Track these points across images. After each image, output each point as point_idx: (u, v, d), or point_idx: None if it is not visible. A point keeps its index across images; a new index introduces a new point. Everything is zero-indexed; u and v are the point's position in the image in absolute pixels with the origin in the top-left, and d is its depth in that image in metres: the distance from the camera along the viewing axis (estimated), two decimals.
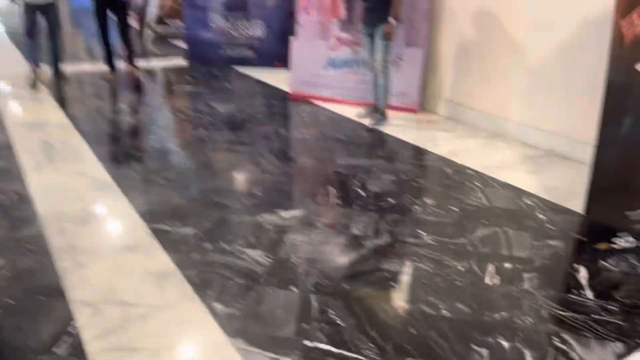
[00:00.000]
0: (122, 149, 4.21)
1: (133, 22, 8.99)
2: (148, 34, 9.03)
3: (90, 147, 4.01)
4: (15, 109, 5.11)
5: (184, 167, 3.83)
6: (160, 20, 9.07)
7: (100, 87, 6.03)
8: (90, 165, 3.68)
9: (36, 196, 3.16)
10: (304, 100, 5.46)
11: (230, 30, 6.77)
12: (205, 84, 6.23)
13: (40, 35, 5.72)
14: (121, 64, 6.38)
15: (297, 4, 5.50)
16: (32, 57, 5.71)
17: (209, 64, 6.92)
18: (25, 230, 2.78)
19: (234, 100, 5.61)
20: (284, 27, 6.51)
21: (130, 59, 6.27)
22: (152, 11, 9.15)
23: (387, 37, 4.50)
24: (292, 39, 5.48)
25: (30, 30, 5.58)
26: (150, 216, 2.94)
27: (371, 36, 4.63)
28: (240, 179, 3.67)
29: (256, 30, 6.71)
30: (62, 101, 5.36)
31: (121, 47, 6.28)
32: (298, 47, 5.44)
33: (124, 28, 6.09)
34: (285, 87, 5.85)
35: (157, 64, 7.26)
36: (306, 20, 5.39)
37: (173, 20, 8.92)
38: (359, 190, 3.38)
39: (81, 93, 5.90)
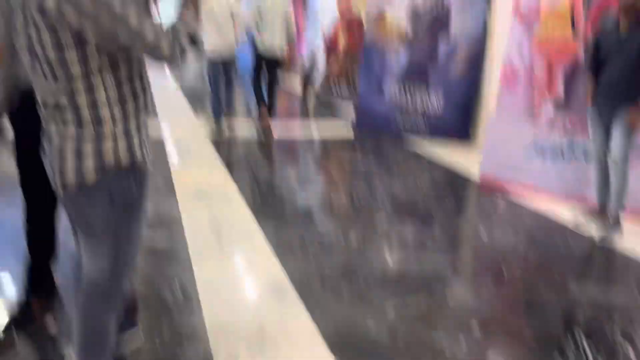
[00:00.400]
0: (296, 236, 3.47)
1: (298, 86, 8.90)
2: (312, 99, 8.80)
3: (260, 228, 3.47)
4: (184, 170, 4.85)
5: (372, 274, 2.98)
6: (326, 86, 8.83)
7: (262, 150, 5.74)
8: (262, 255, 3.10)
9: (203, 296, 2.60)
10: (496, 189, 4.49)
11: (405, 99, 6.12)
12: (374, 160, 5.46)
13: (222, 89, 5.97)
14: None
15: (488, 75, 4.97)
16: (216, 110, 5.97)
17: (378, 134, 6.22)
18: (188, 348, 2.19)
19: (408, 182, 4.76)
20: (466, 100, 5.82)
21: (268, 113, 6.28)
22: (318, 76, 8.94)
23: (634, 124, 3.48)
24: (487, 116, 4.73)
25: (215, 85, 5.92)
26: (340, 348, 2.21)
27: (605, 121, 3.65)
28: (447, 300, 2.75)
29: (434, 100, 5.96)
30: (229, 164, 5.05)
31: (263, 103, 6.31)
32: (496, 126, 4.60)
33: (273, 86, 6.38)
34: (466, 169, 5.01)
35: (320, 131, 6.86)
36: (508, 96, 4.54)
37: (339, 85, 8.61)
38: (629, 350, 2.34)
39: (246, 154, 5.59)
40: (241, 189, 4.27)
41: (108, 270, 1.63)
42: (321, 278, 2.88)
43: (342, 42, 8.24)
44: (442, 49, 5.79)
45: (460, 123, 5.87)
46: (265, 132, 6.21)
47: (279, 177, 4.98)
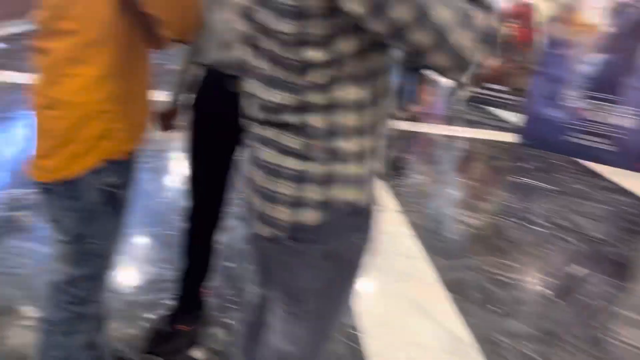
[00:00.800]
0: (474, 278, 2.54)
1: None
2: (462, 94, 7.14)
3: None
4: None
5: (584, 337, 2.13)
6: (479, 83, 7.04)
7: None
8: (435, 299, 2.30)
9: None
10: None
11: (587, 113, 4.80)
12: (546, 178, 4.22)
13: None
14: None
15: None
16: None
17: (546, 148, 4.96)
18: None
19: (595, 212, 3.61)
20: None
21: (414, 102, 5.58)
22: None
23: None
24: None
25: None
26: None
27: None
28: None
29: (624, 118, 4.64)
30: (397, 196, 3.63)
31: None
32: None
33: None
34: None
35: (473, 134, 5.43)
36: None
37: (495, 84, 6.98)
38: None
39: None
40: (425, 245, 2.96)
41: (305, 342, 1.08)
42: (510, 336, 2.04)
43: (503, 35, 6.89)
44: None
45: None
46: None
47: (441, 196, 3.74)
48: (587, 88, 4.67)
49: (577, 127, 4.76)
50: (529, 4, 6.26)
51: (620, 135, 4.61)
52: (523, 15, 6.31)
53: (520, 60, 6.27)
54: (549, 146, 4.87)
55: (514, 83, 6.45)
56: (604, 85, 4.59)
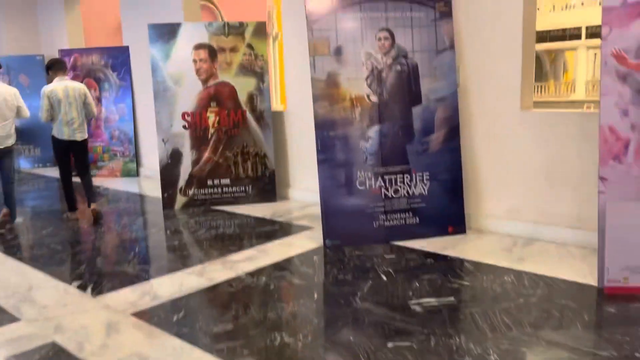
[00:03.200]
0: None
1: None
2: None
3: None
4: None
5: None
6: (194, 181, 5.46)
7: None
8: None
9: None
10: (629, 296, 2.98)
11: (386, 190, 3.99)
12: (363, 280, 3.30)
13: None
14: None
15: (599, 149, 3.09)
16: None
17: (357, 244, 3.94)
18: None
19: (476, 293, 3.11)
20: (453, 176, 4.09)
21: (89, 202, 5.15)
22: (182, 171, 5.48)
23: None
24: (603, 200, 3.05)
25: None
26: None
27: None
28: None
29: (419, 186, 4.05)
30: None
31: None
32: (617, 212, 3.01)
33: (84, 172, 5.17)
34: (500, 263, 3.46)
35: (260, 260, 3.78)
36: (621, 172, 3.03)
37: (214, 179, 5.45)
38: None
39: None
40: None
41: None
42: None
43: (211, 121, 5.41)
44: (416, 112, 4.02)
45: (456, 208, 4.11)
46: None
47: None
48: (372, 164, 3.96)
49: (381, 209, 4.00)
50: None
51: (420, 204, 4.01)
52: (223, 91, 5.34)
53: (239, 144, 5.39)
54: (358, 240, 3.95)
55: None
56: (395, 158, 3.99)
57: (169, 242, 4.34)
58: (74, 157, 5.10)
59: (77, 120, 4.92)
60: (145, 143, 7.51)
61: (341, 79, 3.95)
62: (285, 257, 3.76)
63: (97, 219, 4.96)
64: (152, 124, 7.17)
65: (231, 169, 5.49)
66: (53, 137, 4.97)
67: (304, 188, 5.52)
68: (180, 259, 3.88)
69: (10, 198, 4.98)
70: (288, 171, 5.68)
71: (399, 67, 3.99)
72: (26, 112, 5.11)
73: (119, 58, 7.46)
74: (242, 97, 5.43)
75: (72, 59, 7.68)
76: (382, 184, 4.00)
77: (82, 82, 7.29)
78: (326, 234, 3.96)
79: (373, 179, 4.00)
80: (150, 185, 6.89)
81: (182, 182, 5.43)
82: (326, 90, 3.95)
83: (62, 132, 4.89)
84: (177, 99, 5.37)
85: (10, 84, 8.48)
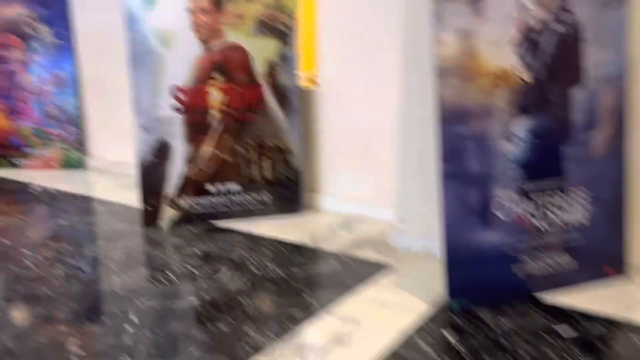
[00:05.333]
0: None
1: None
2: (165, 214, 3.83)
3: None
4: None
5: None
6: (189, 187, 3.81)
7: None
8: None
9: None
10: None
11: (534, 219, 2.61)
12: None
13: None
14: None
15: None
16: None
17: (492, 302, 2.55)
18: None
19: None
20: (616, 194, 2.75)
21: None
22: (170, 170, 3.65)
23: None
24: None
25: None
26: None
27: None
28: None
29: (578, 209, 2.68)
30: None
31: None
32: None
33: None
34: None
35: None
36: None
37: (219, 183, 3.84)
38: None
39: None
40: None
41: None
42: None
43: (214, 101, 3.76)
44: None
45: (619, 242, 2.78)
46: None
47: None
48: (516, 178, 2.54)
49: (526, 247, 2.60)
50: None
51: (576, 238, 2.66)
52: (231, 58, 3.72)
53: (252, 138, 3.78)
54: (493, 294, 2.56)
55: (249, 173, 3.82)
56: (538, 167, 2.58)
57: (172, 300, 2.71)
58: None
59: None
60: (95, 124, 5.61)
61: (479, 42, 2.46)
62: (394, 334, 2.30)
63: None
64: (109, 98, 5.32)
65: (242, 170, 3.87)
66: None
67: (338, 195, 4.03)
68: (212, 346, 2.29)
69: None
70: (317, 172, 4.14)
71: (561, 28, 2.57)
72: None
73: (53, 7, 5.44)
74: (260, 67, 3.79)
75: None
76: (529, 209, 2.60)
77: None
78: (452, 290, 2.52)
79: (516, 201, 2.58)
80: (106, 184, 5.07)
81: (171, 189, 3.75)
82: (456, 61, 2.45)
83: None
84: (165, 67, 3.64)
85: None
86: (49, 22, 5.46)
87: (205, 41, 3.67)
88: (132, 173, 5.22)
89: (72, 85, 5.54)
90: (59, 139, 5.63)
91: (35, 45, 5.51)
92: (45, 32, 5.48)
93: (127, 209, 4.20)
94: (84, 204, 4.46)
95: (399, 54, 3.24)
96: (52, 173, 5.50)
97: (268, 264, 3.09)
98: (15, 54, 5.55)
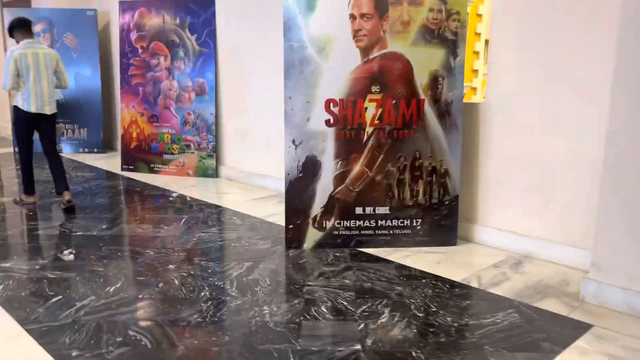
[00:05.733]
0: None
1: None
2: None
3: None
4: None
5: None
6: (335, 207, 3.43)
7: None
8: None
9: None
10: None
11: None
12: None
13: None
14: None
15: None
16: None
17: None
18: None
19: None
20: None
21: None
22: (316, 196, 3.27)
23: None
24: None
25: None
26: None
27: None
28: None
29: None
30: None
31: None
32: None
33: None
34: None
35: None
36: None
37: (367, 205, 3.41)
38: None
39: None
40: None
41: None
42: None
43: (369, 115, 3.39)
44: None
45: None
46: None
47: None
48: None
49: None
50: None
51: None
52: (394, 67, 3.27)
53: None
54: None
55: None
56: None
57: (333, 345, 2.36)
58: (40, 133, 4.48)
59: (47, 91, 4.35)
60: (228, 134, 5.56)
61: None
62: None
63: (71, 210, 4.30)
64: (246, 108, 5.22)
65: (393, 192, 3.49)
66: (16, 109, 4.33)
67: (502, 228, 3.50)
68: None
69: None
70: (478, 199, 3.64)
71: None
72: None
73: (200, 15, 5.47)
74: (422, 79, 3.39)
75: (135, 15, 5.74)
76: None
77: (147, 46, 5.40)
78: None
79: None
80: (240, 195, 4.95)
81: (317, 209, 3.47)
82: None
83: (30, 103, 4.27)
84: (321, 77, 3.36)
85: (53, 44, 6.62)
86: (193, 29, 5.50)
87: (365, 50, 3.35)
88: (266, 185, 5.07)
89: (212, 93, 5.53)
90: (196, 146, 5.65)
91: (180, 52, 5.58)
92: (190, 39, 5.52)
93: (266, 224, 3.99)
94: (221, 215, 4.34)
95: (605, 67, 2.68)
96: (187, 180, 5.52)
97: (432, 306, 2.66)
98: (161, 61, 5.66)
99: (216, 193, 5.07)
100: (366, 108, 3.39)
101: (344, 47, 3.33)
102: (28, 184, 4.48)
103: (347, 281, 2.97)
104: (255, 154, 5.27)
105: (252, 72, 5.13)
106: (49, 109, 4.36)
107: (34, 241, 3.67)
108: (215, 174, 5.63)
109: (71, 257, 3.33)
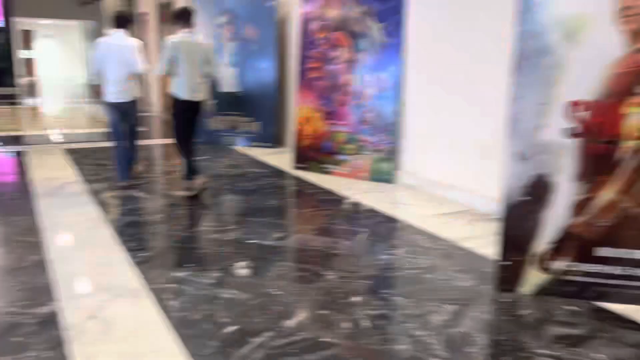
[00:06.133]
0: None
1: None
2: None
3: None
4: None
5: None
6: (569, 244, 2.62)
7: None
8: None
9: None
10: None
11: None
12: None
13: None
14: None
15: None
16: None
17: None
18: None
19: None
20: None
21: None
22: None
23: None
24: None
25: None
26: None
27: None
28: None
29: None
30: None
31: None
32: None
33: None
34: None
35: None
36: None
37: (616, 246, 2.56)
38: None
39: None
40: None
41: None
42: None
43: (630, 127, 2.50)
44: None
45: None
46: None
47: None
48: None
49: None
50: None
51: None
52: None
53: None
54: None
55: None
56: None
57: None
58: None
59: (197, 78, 4.44)
60: (411, 135, 4.92)
61: None
62: None
63: (201, 194, 4.47)
64: (432, 108, 4.52)
65: None
66: (173, 98, 4.42)
67: None
68: None
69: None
70: None
71: None
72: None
73: (389, 1, 4.89)
74: None
75: (318, 3, 5.36)
76: None
77: (328, 37, 4.98)
78: None
79: None
80: (419, 205, 4.29)
81: (543, 244, 2.66)
82: None
83: (184, 91, 4.38)
84: (565, 72, 2.53)
85: (234, 37, 6.59)
86: (382, 17, 4.94)
87: (636, 35, 2.44)
88: (454, 198, 4.32)
89: (396, 89, 4.94)
90: (372, 147, 5.11)
91: (363, 44, 5.07)
92: (376, 29, 4.98)
93: (461, 252, 3.28)
94: (404, 232, 3.73)
95: None
96: (360, 185, 5.01)
97: None
98: (342, 54, 5.21)
99: (394, 203, 4.47)
100: (628, 115, 2.49)
101: (602, 32, 2.46)
102: (191, 170, 4.47)
103: (601, 356, 2.14)
104: (443, 160, 4.56)
105: (449, 65, 4.41)
106: (199, 97, 4.43)
107: (208, 246, 3.42)
108: (391, 179, 5.04)
109: (246, 271, 2.97)
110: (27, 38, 23.30)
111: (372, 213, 4.12)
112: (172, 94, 4.40)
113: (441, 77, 4.49)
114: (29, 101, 13.88)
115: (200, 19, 6.84)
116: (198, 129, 4.62)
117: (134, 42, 4.70)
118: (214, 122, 7.01)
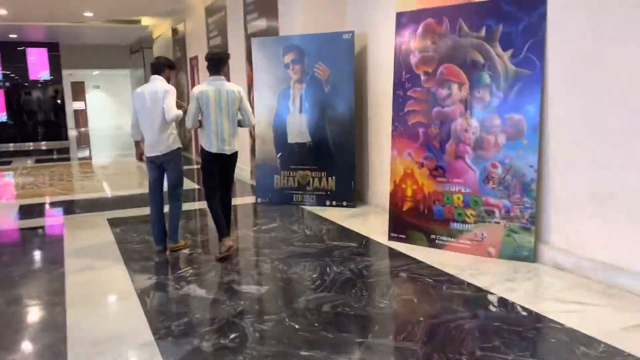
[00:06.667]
0: None
1: None
2: None
3: None
4: None
5: None
6: None
7: None
8: None
9: None
10: None
11: None
12: None
13: None
14: None
15: None
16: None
17: None
18: None
19: None
20: None
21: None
22: None
23: None
24: None
25: None
26: None
27: None
28: None
29: None
30: None
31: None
32: None
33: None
34: None
35: None
36: None
37: None
38: None
39: None
40: None
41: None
42: None
43: None
44: None
45: None
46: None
47: None
48: None
49: None
50: None
51: None
52: None
53: None
54: None
55: None
56: None
57: None
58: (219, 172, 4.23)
59: (227, 129, 4.11)
60: (559, 196, 3.58)
61: None
62: None
63: (228, 256, 4.04)
64: (588, 159, 3.19)
65: None
66: (201, 149, 4.19)
67: None
68: None
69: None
70: None
71: None
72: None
73: (520, 21, 3.67)
74: None
75: (419, 29, 4.19)
76: None
77: (434, 71, 3.79)
78: None
79: None
80: (595, 305, 2.94)
81: None
82: None
83: (211, 143, 4.10)
84: None
85: (302, 77, 5.52)
86: (508, 41, 3.72)
87: None
88: (636, 288, 2.88)
89: (534, 135, 3.65)
90: (504, 213, 3.80)
91: (485, 77, 3.84)
92: (502, 58, 3.75)
93: None
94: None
95: None
96: (489, 265, 3.69)
97: None
98: (455, 91, 4.00)
99: (557, 300, 3.11)
100: None
101: None
102: (221, 227, 4.11)
103: None
104: (617, 230, 3.21)
105: (617, 98, 3.12)
106: (229, 149, 4.15)
107: None
108: (530, 256, 3.70)
109: None
110: (77, 89, 23.40)
111: (534, 322, 2.79)
112: (201, 146, 4.18)
113: (604, 113, 3.19)
114: (78, 154, 13.37)
115: (260, 61, 5.86)
116: (230, 184, 4.30)
117: (164, 87, 4.08)
118: (281, 179, 5.90)
